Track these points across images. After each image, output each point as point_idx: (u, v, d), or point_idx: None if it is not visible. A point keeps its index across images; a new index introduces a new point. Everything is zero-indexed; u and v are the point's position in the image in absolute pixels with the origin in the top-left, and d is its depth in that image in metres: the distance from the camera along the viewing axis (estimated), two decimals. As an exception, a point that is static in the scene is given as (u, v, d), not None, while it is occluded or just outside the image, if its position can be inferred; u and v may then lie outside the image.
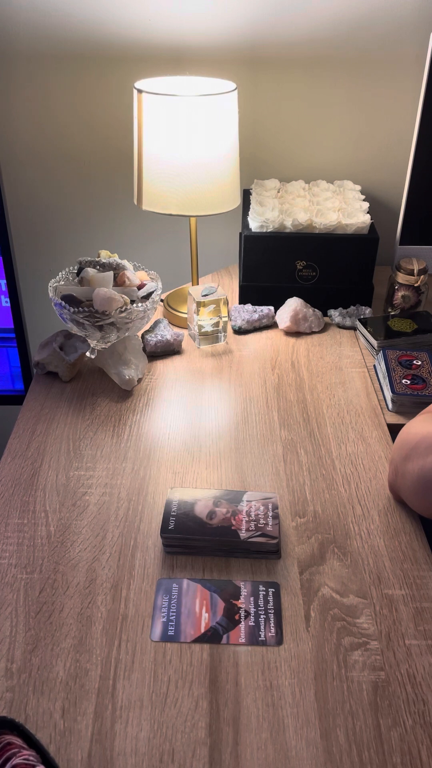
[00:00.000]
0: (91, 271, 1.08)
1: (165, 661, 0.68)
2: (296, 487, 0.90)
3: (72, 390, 1.09)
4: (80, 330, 1.05)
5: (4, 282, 1.33)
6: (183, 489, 0.87)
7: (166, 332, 1.19)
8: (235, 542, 0.79)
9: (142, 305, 1.05)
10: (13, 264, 1.29)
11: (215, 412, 1.04)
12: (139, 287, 1.11)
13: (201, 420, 1.03)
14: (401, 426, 1.02)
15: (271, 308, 1.27)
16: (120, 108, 1.39)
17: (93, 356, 1.07)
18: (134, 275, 1.11)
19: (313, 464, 0.94)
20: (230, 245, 1.55)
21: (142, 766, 0.60)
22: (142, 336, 1.19)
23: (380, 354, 1.13)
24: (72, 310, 1.02)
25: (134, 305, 1.05)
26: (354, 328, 1.26)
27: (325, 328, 1.27)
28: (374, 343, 1.17)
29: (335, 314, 1.27)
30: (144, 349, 1.17)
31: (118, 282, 1.09)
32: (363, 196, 1.33)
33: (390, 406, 1.05)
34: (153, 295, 1.09)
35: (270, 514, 0.82)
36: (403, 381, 1.05)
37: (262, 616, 0.73)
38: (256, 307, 1.27)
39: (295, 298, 1.26)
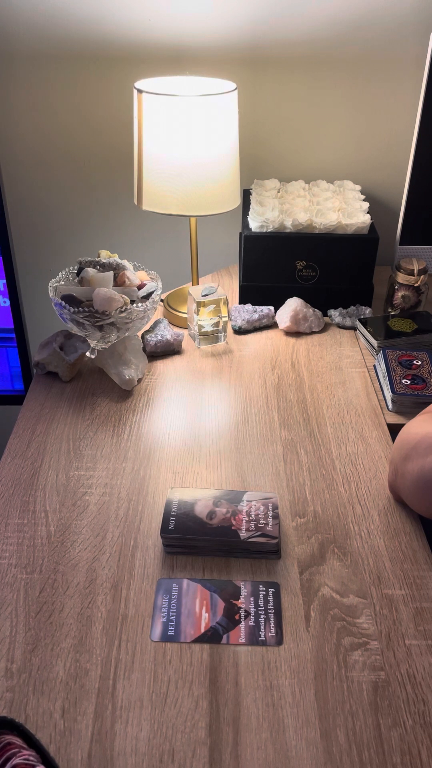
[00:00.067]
0: (91, 271, 1.08)
1: (165, 661, 0.68)
2: (296, 487, 0.90)
3: (72, 390, 1.09)
4: (80, 330, 1.05)
5: (4, 282, 1.33)
6: (183, 489, 0.87)
7: (166, 332, 1.19)
8: (235, 542, 0.79)
9: (142, 305, 1.05)
10: (13, 264, 1.29)
11: (215, 412, 1.04)
12: (139, 287, 1.11)
13: (201, 420, 1.03)
14: (401, 426, 1.02)
15: (271, 308, 1.27)
16: (120, 108, 1.39)
17: (93, 356, 1.07)
18: (134, 275, 1.11)
19: (313, 464, 0.94)
20: (230, 245, 1.55)
21: (142, 766, 0.60)
22: (142, 336, 1.19)
23: (380, 354, 1.13)
24: (72, 310, 1.02)
25: (134, 305, 1.05)
26: (354, 328, 1.26)
27: (325, 328, 1.27)
28: (374, 343, 1.17)
29: (335, 314, 1.27)
30: (144, 349, 1.17)
31: (118, 282, 1.09)
32: (363, 196, 1.33)
33: (390, 406, 1.05)
34: (153, 295, 1.09)
35: (270, 514, 0.82)
36: (403, 381, 1.05)
37: (262, 616, 0.73)
38: (256, 307, 1.28)
39: (295, 298, 1.26)
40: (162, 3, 1.29)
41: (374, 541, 0.82)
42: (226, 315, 1.19)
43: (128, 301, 1.05)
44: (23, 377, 1.47)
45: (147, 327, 1.23)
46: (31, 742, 0.57)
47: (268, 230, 1.24)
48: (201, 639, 0.70)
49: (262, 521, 0.81)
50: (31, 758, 0.54)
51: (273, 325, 1.28)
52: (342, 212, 1.26)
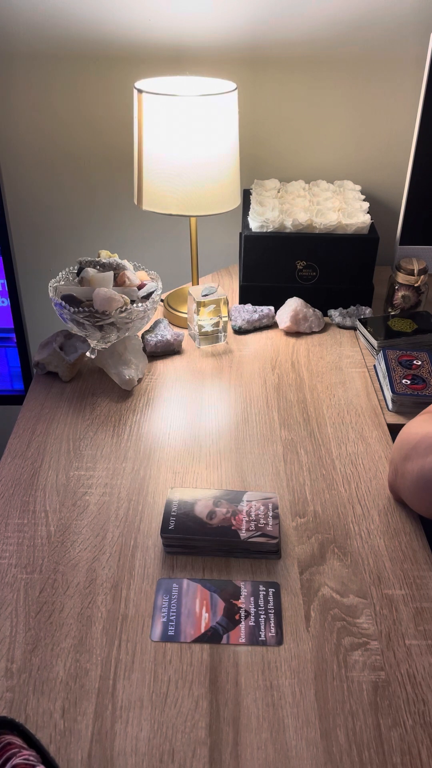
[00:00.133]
0: (91, 271, 1.08)
1: (165, 661, 0.68)
2: (296, 487, 0.90)
3: (72, 390, 1.09)
4: (80, 330, 1.05)
5: (4, 282, 1.33)
6: (183, 489, 0.87)
7: (166, 332, 1.19)
8: (235, 542, 0.79)
9: (142, 305, 1.05)
10: (13, 264, 1.29)
11: (215, 412, 1.04)
12: (139, 287, 1.11)
13: (201, 420, 1.03)
14: (401, 426, 1.02)
15: (271, 308, 1.27)
16: (120, 108, 1.39)
17: (93, 356, 1.07)
18: (134, 275, 1.11)
19: (313, 464, 0.94)
20: (230, 245, 1.55)
21: (142, 766, 0.60)
22: (142, 336, 1.19)
23: (380, 354, 1.13)
24: (72, 310, 1.02)
25: (134, 305, 1.05)
26: (354, 328, 1.26)
27: (325, 328, 1.27)
28: (374, 343, 1.17)
29: (335, 314, 1.27)
30: (144, 349, 1.17)
31: (118, 282, 1.09)
32: (363, 196, 1.33)
33: (390, 406, 1.05)
34: (153, 295, 1.09)
35: (270, 514, 0.82)
36: (403, 381, 1.05)
37: (262, 616, 0.73)
38: (256, 307, 1.28)
39: (295, 298, 1.26)
40: (162, 3, 1.29)
41: (374, 541, 0.82)
42: (226, 315, 1.19)
43: (128, 301, 1.05)
44: (23, 377, 1.47)
45: (147, 327, 1.23)
46: (31, 742, 0.57)
47: (268, 230, 1.24)
48: (201, 639, 0.70)
49: (262, 521, 0.81)
50: (31, 758, 0.54)
51: (273, 325, 1.28)
52: (342, 212, 1.26)
